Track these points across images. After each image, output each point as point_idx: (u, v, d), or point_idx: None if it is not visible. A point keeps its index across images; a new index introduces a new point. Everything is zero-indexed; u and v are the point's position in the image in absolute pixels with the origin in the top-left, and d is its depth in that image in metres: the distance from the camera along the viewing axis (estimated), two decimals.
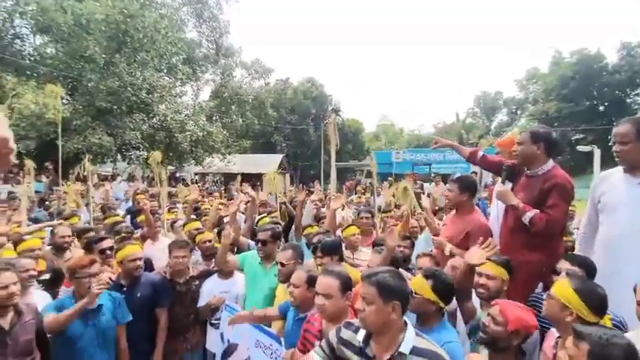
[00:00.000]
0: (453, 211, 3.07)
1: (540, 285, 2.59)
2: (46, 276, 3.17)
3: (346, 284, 1.94)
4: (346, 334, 1.66)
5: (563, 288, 1.74)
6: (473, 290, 2.23)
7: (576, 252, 2.60)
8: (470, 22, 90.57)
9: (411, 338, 1.50)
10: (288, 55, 75.42)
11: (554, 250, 2.47)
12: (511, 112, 37.70)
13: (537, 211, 2.38)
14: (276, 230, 3.20)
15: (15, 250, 3.28)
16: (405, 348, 1.47)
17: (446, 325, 2.03)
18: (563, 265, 2.21)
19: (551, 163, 2.50)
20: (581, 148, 16.61)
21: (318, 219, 4.83)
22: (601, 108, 30.10)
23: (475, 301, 2.26)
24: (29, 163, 6.56)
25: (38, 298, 2.70)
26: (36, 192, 7.77)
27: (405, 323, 1.55)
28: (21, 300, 2.35)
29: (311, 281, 2.21)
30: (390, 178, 8.48)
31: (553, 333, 1.88)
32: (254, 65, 25.19)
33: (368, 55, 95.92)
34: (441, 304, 1.99)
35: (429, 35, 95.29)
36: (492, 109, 39.74)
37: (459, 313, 2.29)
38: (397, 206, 5.75)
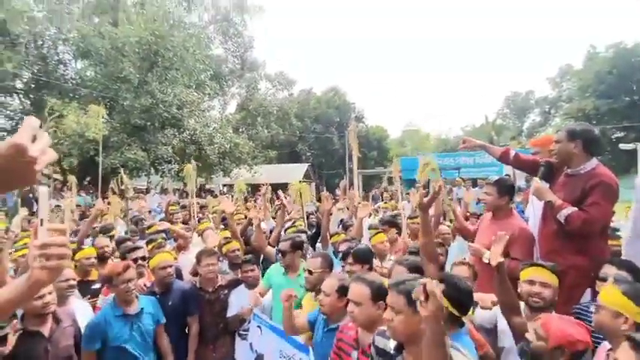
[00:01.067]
0: (488, 216, 2.92)
1: (588, 292, 2.41)
2: (97, 285, 3.28)
3: (378, 293, 1.88)
4: (381, 342, 1.63)
5: (612, 295, 1.61)
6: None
7: (623, 256, 2.38)
8: (497, 21, 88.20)
9: None
10: (311, 66, 76.55)
11: (599, 253, 2.33)
12: (544, 112, 36.04)
13: (575, 208, 2.26)
14: (297, 240, 3.16)
15: (73, 257, 3.37)
16: None
17: (461, 337, 1.81)
18: (609, 270, 2.05)
19: (594, 161, 2.36)
20: (623, 146, 15.52)
21: (345, 227, 4.77)
22: None
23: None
24: (72, 179, 7.01)
25: (78, 307, 2.80)
26: (77, 206, 8.26)
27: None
28: (60, 308, 2.46)
29: (342, 290, 2.15)
30: (418, 185, 8.24)
31: (604, 347, 1.71)
32: (278, 77, 25.80)
33: (391, 60, 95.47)
34: (455, 312, 1.78)
35: (454, 37, 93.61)
36: (523, 109, 38.19)
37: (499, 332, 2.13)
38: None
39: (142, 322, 2.63)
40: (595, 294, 2.40)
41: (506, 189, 2.79)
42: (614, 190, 2.30)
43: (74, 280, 2.79)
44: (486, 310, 2.21)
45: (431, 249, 2.54)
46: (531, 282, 1.99)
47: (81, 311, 2.74)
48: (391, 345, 1.54)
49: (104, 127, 11.14)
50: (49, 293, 2.24)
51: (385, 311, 1.55)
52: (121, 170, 6.85)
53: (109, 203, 5.77)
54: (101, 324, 2.51)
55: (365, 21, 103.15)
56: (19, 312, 2.27)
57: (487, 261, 2.26)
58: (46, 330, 2.23)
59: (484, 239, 2.66)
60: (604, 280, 2.04)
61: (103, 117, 9.70)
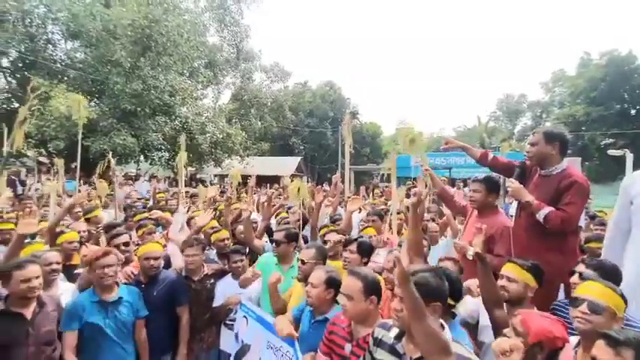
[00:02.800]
0: (475, 213, 2.95)
1: (562, 287, 2.49)
2: (80, 270, 3.18)
3: (370, 287, 1.88)
4: (380, 333, 1.63)
5: (611, 296, 1.58)
6: None
7: (602, 256, 2.46)
8: (493, 23, 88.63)
9: None
10: (307, 59, 75.91)
11: (571, 249, 2.45)
12: (536, 116, 36.49)
13: (552, 208, 2.37)
14: (292, 231, 3.16)
15: (55, 242, 3.34)
16: None
17: (456, 328, 1.83)
18: (579, 268, 2.13)
19: (565, 162, 2.50)
20: (611, 152, 15.83)
21: (333, 221, 4.78)
22: (632, 112, 28.68)
23: None
24: (59, 162, 6.85)
25: (64, 290, 2.76)
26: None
27: (442, 326, 1.47)
28: (45, 292, 2.41)
29: (330, 282, 2.16)
30: (408, 182, 8.30)
31: (570, 341, 1.72)
32: (273, 69, 25.54)
33: (388, 58, 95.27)
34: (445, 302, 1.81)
35: (450, 37, 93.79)
36: (516, 112, 38.62)
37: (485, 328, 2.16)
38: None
39: (119, 311, 2.55)
40: (567, 290, 2.48)
41: (494, 186, 2.83)
42: (587, 189, 2.43)
43: (57, 263, 2.73)
44: (473, 299, 2.25)
45: (419, 242, 2.53)
46: (500, 276, 2.09)
47: (67, 295, 2.69)
48: (392, 334, 1.54)
49: (92, 111, 10.85)
50: (36, 277, 2.19)
51: (394, 301, 1.52)
52: (109, 154, 6.70)
53: (94, 188, 5.66)
54: (77, 307, 2.45)
55: (363, 18, 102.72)
56: (4, 292, 2.23)
57: (470, 258, 2.30)
58: (28, 313, 2.19)
59: (470, 237, 2.68)
60: (572, 273, 2.14)
61: (90, 100, 9.43)
